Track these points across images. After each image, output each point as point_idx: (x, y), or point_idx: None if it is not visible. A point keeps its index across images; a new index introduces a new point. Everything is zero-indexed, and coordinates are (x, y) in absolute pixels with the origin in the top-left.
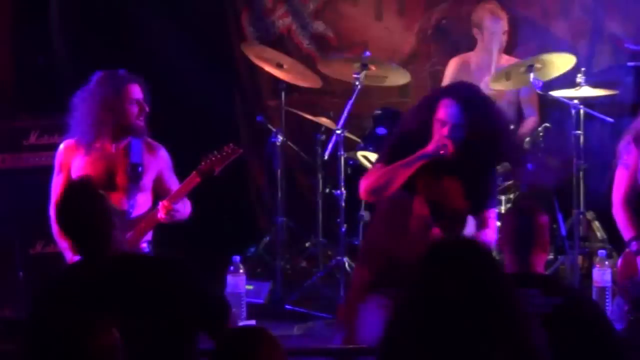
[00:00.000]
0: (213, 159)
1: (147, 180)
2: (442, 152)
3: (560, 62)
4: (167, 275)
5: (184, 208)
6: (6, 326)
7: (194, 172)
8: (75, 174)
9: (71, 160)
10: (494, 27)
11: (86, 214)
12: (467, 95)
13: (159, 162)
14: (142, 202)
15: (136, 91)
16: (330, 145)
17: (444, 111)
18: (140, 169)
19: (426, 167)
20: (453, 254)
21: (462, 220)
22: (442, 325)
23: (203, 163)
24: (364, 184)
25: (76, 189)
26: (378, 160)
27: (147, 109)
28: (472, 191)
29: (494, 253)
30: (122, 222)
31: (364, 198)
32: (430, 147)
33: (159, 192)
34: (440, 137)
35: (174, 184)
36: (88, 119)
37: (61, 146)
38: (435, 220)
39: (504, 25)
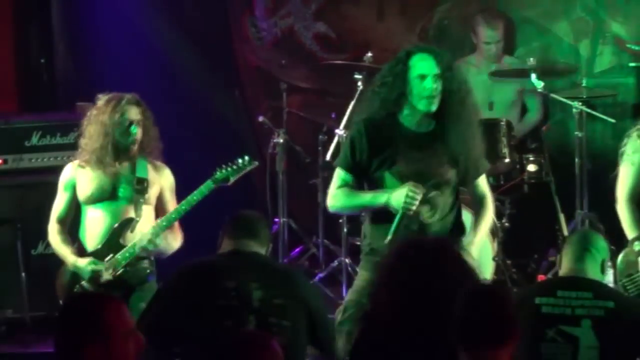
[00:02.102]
0: (229, 169)
1: (152, 195)
2: (405, 212)
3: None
4: (298, 284)
5: (174, 240)
6: (8, 326)
7: (209, 180)
8: (81, 189)
9: (77, 179)
10: (487, 38)
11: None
12: (434, 49)
13: (162, 181)
14: (147, 214)
15: (133, 114)
16: (331, 146)
17: (421, 64)
18: (145, 183)
19: (406, 140)
20: (419, 251)
21: (448, 187)
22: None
23: (218, 172)
24: (331, 200)
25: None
26: (343, 165)
27: (139, 134)
28: (454, 158)
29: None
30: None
31: (330, 210)
32: (396, 199)
33: (158, 210)
34: (407, 199)
35: (173, 205)
36: (91, 141)
37: (68, 167)
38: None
39: (498, 34)
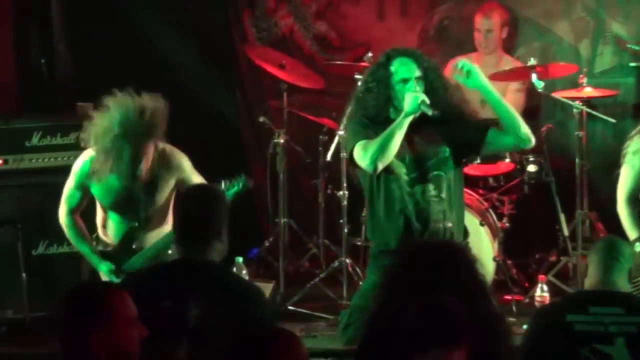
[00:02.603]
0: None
1: (162, 195)
2: (421, 104)
3: (563, 68)
4: (247, 300)
5: None
6: (9, 327)
7: None
8: (96, 194)
9: (92, 183)
10: (482, 25)
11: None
12: (413, 51)
13: (179, 173)
14: (159, 216)
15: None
16: (332, 146)
17: (402, 69)
18: (156, 181)
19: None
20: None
21: (448, 166)
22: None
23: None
24: (367, 155)
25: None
26: (359, 139)
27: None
28: (452, 139)
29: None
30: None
31: (371, 167)
32: (408, 105)
33: None
34: (412, 93)
35: (197, 178)
36: (105, 142)
37: (83, 162)
38: (421, 173)
39: (493, 23)
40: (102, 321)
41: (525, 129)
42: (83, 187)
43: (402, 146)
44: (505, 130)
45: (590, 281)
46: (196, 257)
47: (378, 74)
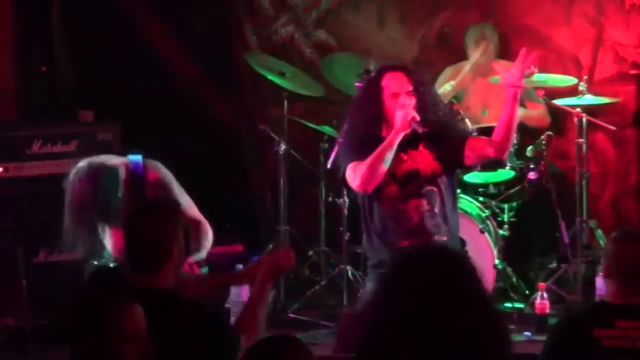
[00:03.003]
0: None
1: None
2: (412, 121)
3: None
4: (196, 334)
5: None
6: (9, 335)
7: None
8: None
9: None
10: (469, 55)
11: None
12: (404, 65)
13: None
14: None
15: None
16: (332, 154)
17: (393, 83)
18: None
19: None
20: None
21: (437, 182)
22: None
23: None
24: (357, 177)
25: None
26: (351, 160)
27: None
28: (440, 153)
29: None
30: None
31: (361, 189)
32: (398, 122)
33: None
34: (402, 110)
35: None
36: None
37: None
38: (413, 188)
39: (479, 56)
40: (93, 332)
41: (510, 145)
42: None
43: (393, 162)
44: (494, 140)
45: (613, 294)
46: (149, 285)
47: (369, 90)
